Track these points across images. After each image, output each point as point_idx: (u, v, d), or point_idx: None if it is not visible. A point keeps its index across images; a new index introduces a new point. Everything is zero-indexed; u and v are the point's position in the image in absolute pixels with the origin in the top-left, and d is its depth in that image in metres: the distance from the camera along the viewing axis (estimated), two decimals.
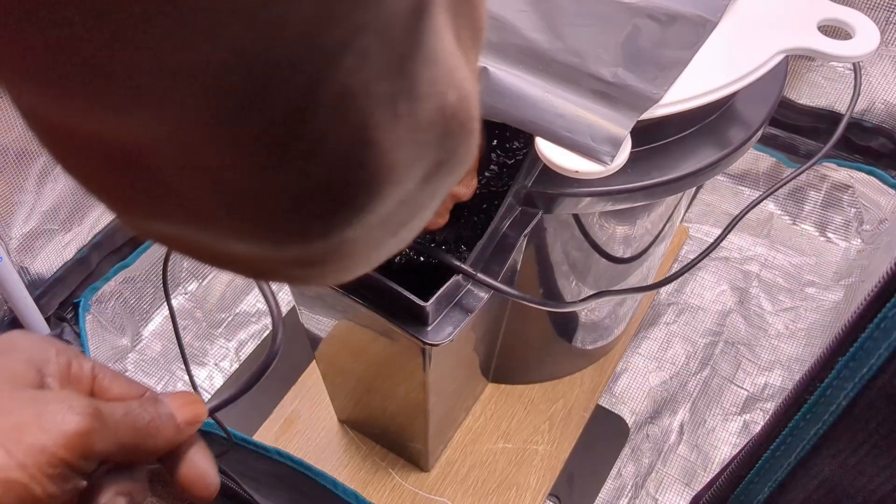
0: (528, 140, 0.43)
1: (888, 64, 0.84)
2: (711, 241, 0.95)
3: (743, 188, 0.98)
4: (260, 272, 0.20)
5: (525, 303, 0.52)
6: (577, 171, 0.42)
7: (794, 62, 0.89)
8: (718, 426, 0.81)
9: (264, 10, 0.12)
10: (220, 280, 0.92)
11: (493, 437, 0.78)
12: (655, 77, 0.46)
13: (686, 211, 0.97)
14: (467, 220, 0.53)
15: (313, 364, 0.83)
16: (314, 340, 0.65)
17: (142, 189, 0.15)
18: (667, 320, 0.89)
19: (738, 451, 0.38)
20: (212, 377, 0.85)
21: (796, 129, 0.94)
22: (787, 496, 0.35)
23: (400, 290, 0.44)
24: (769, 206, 0.97)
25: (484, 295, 0.48)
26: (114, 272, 0.82)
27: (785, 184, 0.56)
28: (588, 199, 0.49)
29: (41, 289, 0.74)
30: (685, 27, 0.48)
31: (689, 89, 0.46)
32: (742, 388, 0.84)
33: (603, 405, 0.82)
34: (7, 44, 0.12)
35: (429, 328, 0.46)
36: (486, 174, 0.55)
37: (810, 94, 0.91)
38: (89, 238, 0.79)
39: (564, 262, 0.61)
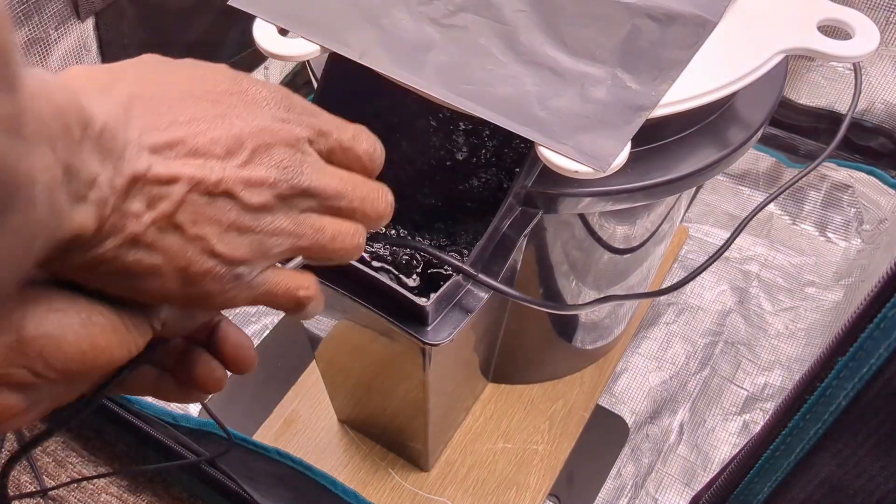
0: (528, 140, 0.43)
1: (888, 64, 0.84)
2: (711, 240, 0.96)
3: (743, 188, 0.98)
4: None
5: (527, 304, 0.52)
6: (576, 172, 0.42)
7: (794, 62, 0.89)
8: (718, 426, 0.81)
9: None
10: None
11: (493, 437, 0.78)
12: (655, 77, 0.46)
13: (686, 211, 0.97)
14: (467, 220, 0.53)
15: (313, 364, 0.83)
16: (314, 340, 0.65)
17: None
18: (667, 320, 0.89)
19: (737, 451, 0.38)
20: None
21: (796, 129, 0.94)
22: (787, 496, 0.35)
23: (400, 290, 0.44)
24: (769, 206, 0.97)
25: (484, 295, 0.48)
26: None
27: (790, 186, 0.56)
28: (588, 199, 0.49)
29: None
30: (685, 27, 0.48)
31: (689, 89, 0.46)
32: (742, 388, 0.84)
33: (603, 405, 0.82)
34: None
35: (429, 328, 0.46)
36: (487, 174, 0.55)
37: (810, 94, 0.91)
38: None
39: (564, 262, 0.61)
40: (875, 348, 0.27)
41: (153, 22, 0.72)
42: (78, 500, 0.76)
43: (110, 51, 0.69)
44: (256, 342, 0.88)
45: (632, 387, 0.84)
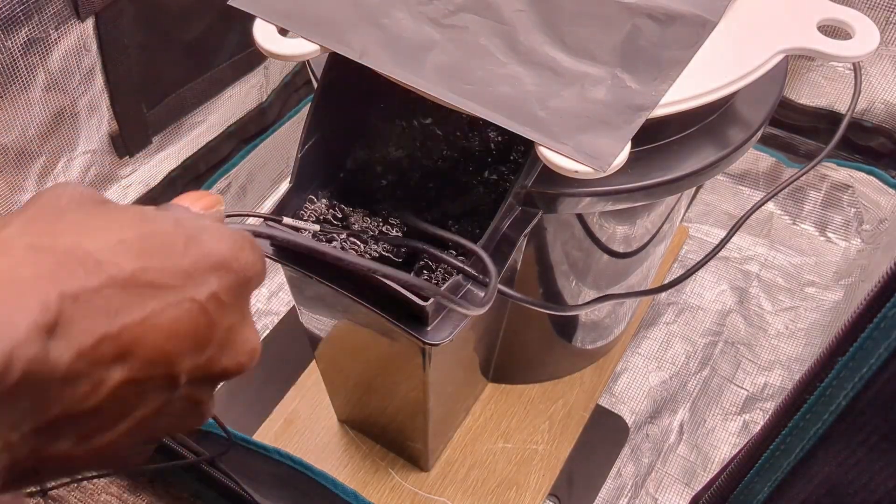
0: (528, 140, 0.43)
1: (888, 64, 0.84)
2: (711, 240, 0.96)
3: (743, 188, 0.98)
4: None
5: (527, 305, 0.52)
6: (576, 172, 0.42)
7: (794, 62, 0.89)
8: (718, 426, 0.81)
9: None
10: None
11: (492, 437, 0.78)
12: (655, 77, 0.46)
13: (686, 211, 0.98)
14: (467, 220, 0.53)
15: (313, 364, 0.83)
16: (314, 340, 0.65)
17: None
18: (667, 320, 0.89)
19: (737, 450, 0.38)
20: None
21: (796, 129, 0.94)
22: (787, 496, 0.35)
23: (400, 290, 0.44)
24: (769, 205, 0.97)
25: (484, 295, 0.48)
26: None
27: (788, 185, 0.56)
28: (588, 199, 0.49)
29: None
30: (685, 27, 0.48)
31: (689, 89, 0.46)
32: (742, 387, 0.84)
33: (603, 405, 0.82)
34: None
35: (429, 328, 0.46)
36: (486, 174, 0.55)
37: (810, 94, 0.91)
38: None
39: (564, 262, 0.61)
40: (875, 348, 0.27)
41: (153, 22, 0.72)
42: (78, 500, 0.76)
43: (110, 51, 0.69)
44: None
45: (632, 387, 0.84)
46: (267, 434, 0.78)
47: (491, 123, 0.44)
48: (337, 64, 0.49)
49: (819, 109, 0.91)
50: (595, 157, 0.42)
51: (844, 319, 0.29)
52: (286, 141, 1.00)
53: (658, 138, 0.50)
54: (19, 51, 0.60)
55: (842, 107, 0.90)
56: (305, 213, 0.52)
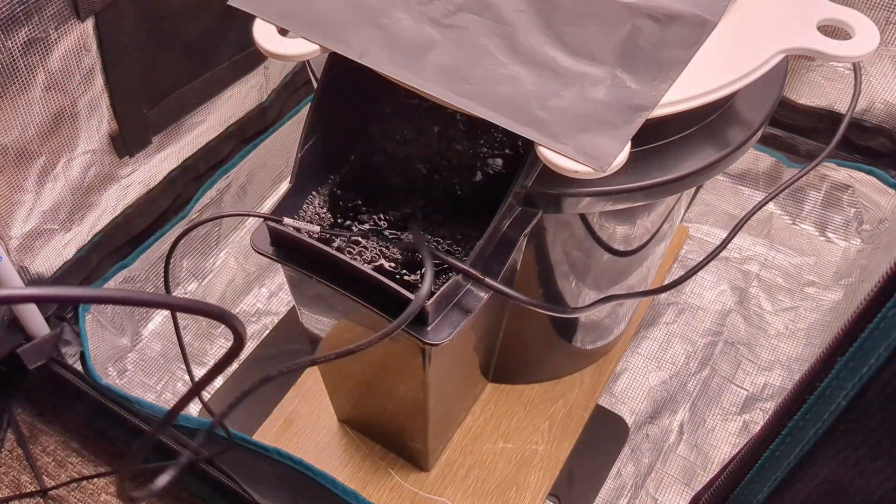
0: (528, 140, 0.43)
1: (888, 64, 0.84)
2: (711, 240, 0.96)
3: (743, 188, 0.98)
4: None
5: (528, 306, 0.52)
6: (576, 172, 0.42)
7: (794, 62, 0.89)
8: (718, 426, 0.81)
9: None
10: (220, 280, 0.92)
11: (492, 437, 0.78)
12: (655, 77, 0.46)
13: (686, 211, 0.98)
14: (467, 220, 0.53)
15: None
16: (314, 340, 0.65)
17: None
18: (666, 320, 0.89)
19: (737, 450, 0.38)
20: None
21: (796, 129, 0.94)
22: (787, 496, 0.35)
23: (400, 290, 0.44)
24: (769, 205, 0.97)
25: (484, 295, 0.48)
26: (114, 272, 0.82)
27: (789, 186, 0.56)
28: (588, 199, 0.49)
29: None
30: (685, 27, 0.48)
31: (689, 89, 0.46)
32: (742, 388, 0.84)
33: (603, 405, 0.82)
34: None
35: (429, 328, 0.46)
36: (486, 174, 0.55)
37: (810, 94, 0.91)
38: (89, 238, 0.79)
39: (564, 262, 0.61)
40: (875, 348, 0.27)
41: (153, 22, 0.72)
42: (78, 500, 0.76)
43: (110, 51, 0.69)
44: (256, 342, 0.88)
45: (632, 387, 0.84)
46: (267, 434, 0.78)
47: (491, 123, 0.44)
48: (337, 64, 0.49)
49: (819, 109, 0.92)
50: (595, 157, 0.42)
51: (844, 319, 0.29)
52: (286, 141, 1.00)
53: (658, 138, 0.50)
54: (19, 51, 0.60)
55: (842, 107, 0.90)
56: (306, 212, 0.52)
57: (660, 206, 0.60)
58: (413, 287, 0.50)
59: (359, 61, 0.46)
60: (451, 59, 0.47)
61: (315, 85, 0.53)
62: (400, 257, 0.51)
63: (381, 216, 0.53)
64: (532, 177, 0.48)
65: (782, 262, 0.94)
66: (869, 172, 0.89)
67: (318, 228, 0.49)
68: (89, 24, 0.66)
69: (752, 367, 0.85)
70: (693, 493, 0.48)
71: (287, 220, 0.48)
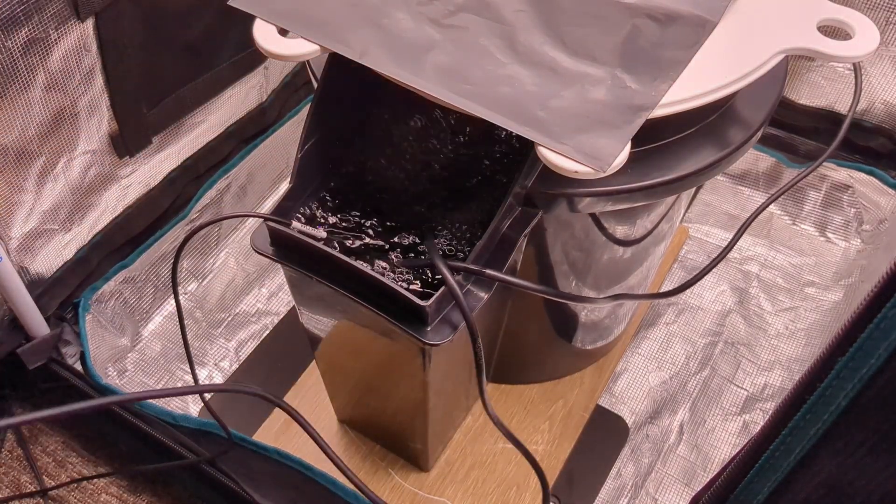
0: (528, 140, 0.43)
1: (888, 64, 0.84)
2: (711, 240, 0.96)
3: (743, 188, 0.98)
4: None
5: (542, 295, 0.52)
6: (576, 172, 0.42)
7: (794, 62, 0.89)
8: (718, 426, 0.81)
9: None
10: (220, 280, 0.93)
11: (493, 437, 0.78)
12: (655, 77, 0.46)
13: (686, 211, 0.98)
14: (467, 220, 0.53)
15: (313, 364, 0.83)
16: (314, 340, 0.65)
17: None
18: (667, 320, 0.89)
19: (737, 451, 0.38)
20: (212, 377, 0.85)
21: (796, 129, 0.94)
22: (787, 496, 0.35)
23: (400, 290, 0.44)
24: (769, 206, 0.97)
25: (484, 295, 0.48)
26: (114, 272, 0.82)
27: (791, 186, 0.56)
28: (588, 199, 0.49)
29: (41, 289, 0.74)
30: (685, 27, 0.48)
31: (689, 89, 0.46)
32: (742, 388, 0.84)
33: (603, 405, 0.82)
34: None
35: (428, 328, 0.46)
36: (486, 174, 0.55)
37: (810, 94, 0.91)
38: (89, 238, 0.79)
39: (564, 262, 0.61)
40: (874, 349, 0.27)
41: (153, 22, 0.72)
42: (78, 500, 0.76)
43: (110, 51, 0.69)
44: (256, 342, 0.88)
45: (632, 387, 0.84)
46: (267, 434, 0.78)
47: (491, 124, 0.44)
48: (337, 64, 0.49)
49: (819, 109, 0.92)
50: (595, 158, 0.42)
51: (844, 320, 0.29)
52: (286, 141, 1.00)
53: (658, 138, 0.50)
54: (19, 51, 0.60)
55: (842, 107, 0.90)
56: (306, 212, 0.52)
57: (660, 206, 0.60)
58: (411, 286, 0.50)
59: (359, 61, 0.46)
60: (451, 59, 0.47)
61: (315, 85, 0.53)
62: (400, 257, 0.51)
63: (381, 216, 0.53)
64: (532, 177, 0.48)
65: (782, 262, 0.94)
66: (869, 173, 0.89)
67: (324, 234, 0.49)
68: (89, 24, 0.66)
69: (752, 368, 0.85)
70: (693, 494, 0.48)
71: (295, 224, 0.48)
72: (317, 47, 0.47)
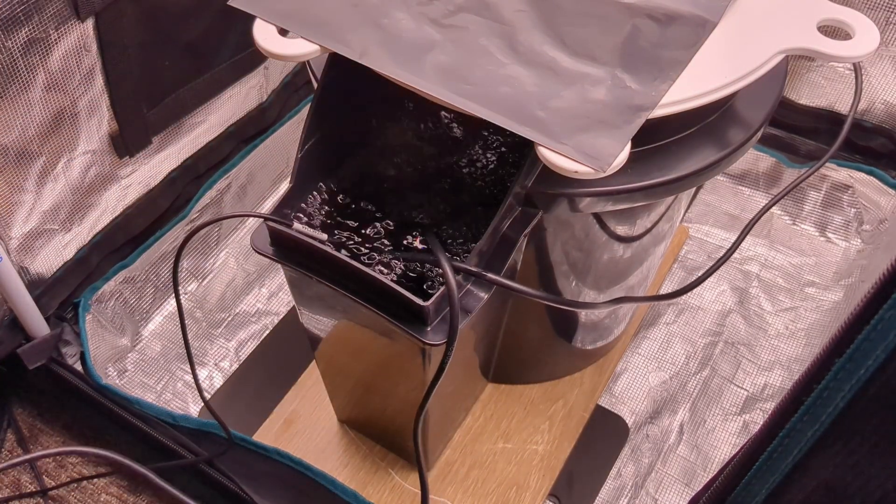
0: (528, 140, 0.43)
1: (888, 64, 0.84)
2: (711, 240, 0.96)
3: (743, 188, 0.98)
4: None
5: (538, 300, 0.52)
6: (576, 172, 0.42)
7: (794, 62, 0.89)
8: (718, 426, 0.81)
9: None
10: (220, 280, 0.93)
11: (492, 437, 0.78)
12: (655, 77, 0.46)
13: (686, 211, 0.98)
14: (467, 221, 0.53)
15: (313, 364, 0.83)
16: (314, 340, 0.65)
17: None
18: (667, 320, 0.89)
19: (735, 452, 0.38)
20: (212, 377, 0.85)
21: (796, 129, 0.94)
22: (785, 498, 0.35)
23: (400, 290, 0.44)
24: None
25: (484, 295, 0.48)
26: (114, 272, 0.82)
27: (794, 187, 0.56)
28: (588, 199, 0.49)
29: (41, 289, 0.74)
30: (685, 27, 0.48)
31: (689, 89, 0.46)
32: (742, 388, 0.84)
33: (603, 405, 0.82)
34: None
35: (429, 328, 0.46)
36: (486, 174, 0.55)
37: (810, 94, 0.91)
38: (89, 238, 0.79)
39: (564, 262, 0.61)
40: (872, 350, 0.27)
41: (153, 22, 0.72)
42: (78, 500, 0.76)
43: (110, 51, 0.69)
44: (256, 342, 0.88)
45: (632, 387, 0.84)
46: (267, 434, 0.78)
47: (491, 124, 0.44)
48: (337, 64, 0.49)
49: (819, 110, 0.92)
50: (595, 158, 0.42)
51: (843, 320, 0.29)
52: (286, 141, 1.00)
53: (658, 138, 0.50)
54: (19, 51, 0.60)
55: (842, 107, 0.90)
56: (306, 213, 0.52)
57: (660, 206, 0.60)
58: (412, 287, 0.50)
59: (359, 61, 0.46)
60: (451, 59, 0.47)
61: (315, 85, 0.53)
62: (400, 257, 0.51)
63: (381, 216, 0.53)
64: (532, 177, 0.48)
65: (782, 262, 0.94)
66: (869, 173, 0.89)
67: (324, 235, 0.49)
68: (89, 24, 0.66)
69: (752, 368, 0.85)
70: (693, 494, 0.48)
71: (295, 225, 0.48)
72: (317, 47, 0.47)
